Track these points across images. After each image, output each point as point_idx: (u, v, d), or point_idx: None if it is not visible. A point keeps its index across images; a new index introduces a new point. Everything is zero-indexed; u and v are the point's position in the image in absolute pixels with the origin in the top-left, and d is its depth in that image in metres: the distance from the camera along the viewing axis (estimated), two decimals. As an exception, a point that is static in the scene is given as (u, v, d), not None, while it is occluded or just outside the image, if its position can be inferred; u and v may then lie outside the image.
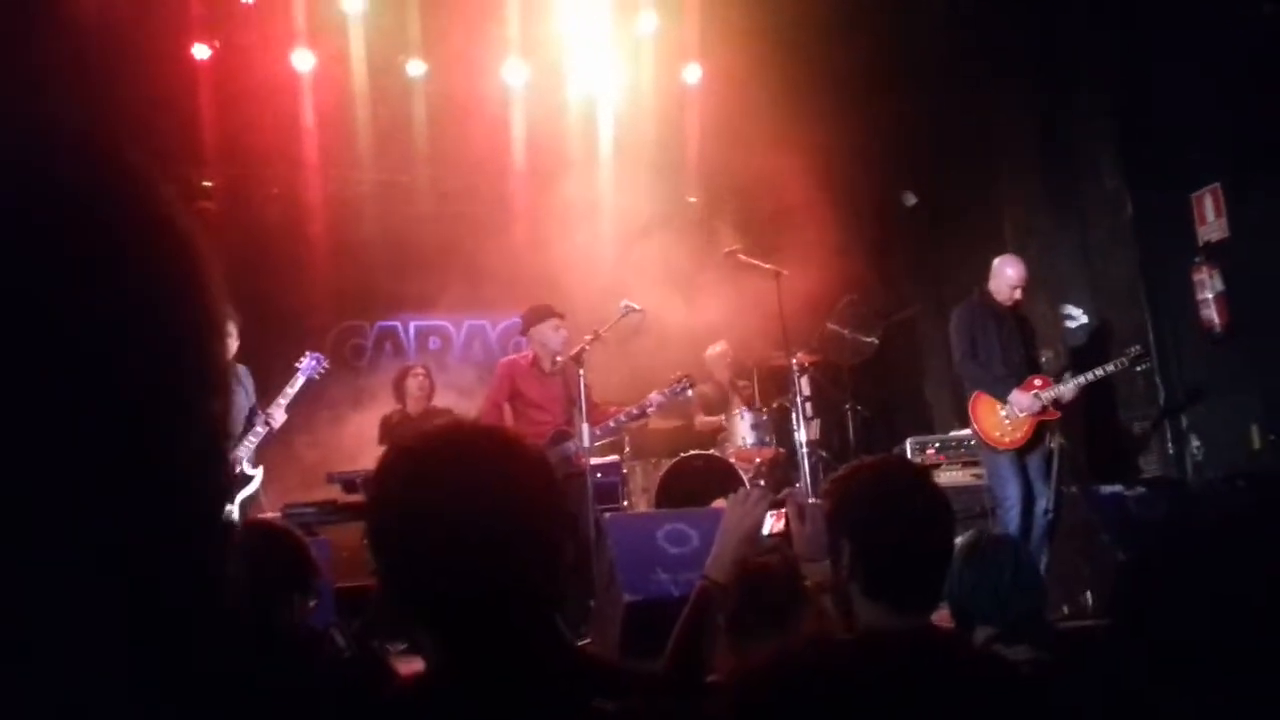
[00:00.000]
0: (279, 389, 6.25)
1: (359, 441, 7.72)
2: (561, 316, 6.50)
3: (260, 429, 6.14)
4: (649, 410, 6.31)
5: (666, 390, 6.29)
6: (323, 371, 6.40)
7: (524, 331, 6.67)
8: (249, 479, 6.21)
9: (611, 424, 6.29)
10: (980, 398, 6.21)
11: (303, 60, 8.20)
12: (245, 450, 6.14)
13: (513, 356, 6.75)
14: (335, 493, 6.92)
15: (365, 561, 6.26)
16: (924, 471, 2.23)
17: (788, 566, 2.73)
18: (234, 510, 6.09)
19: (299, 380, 6.27)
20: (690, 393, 6.52)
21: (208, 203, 8.34)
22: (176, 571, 0.56)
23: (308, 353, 6.41)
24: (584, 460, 6.09)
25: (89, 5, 7.02)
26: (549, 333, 6.46)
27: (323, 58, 8.29)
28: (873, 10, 8.16)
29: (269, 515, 6.36)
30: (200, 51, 7.90)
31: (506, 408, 6.49)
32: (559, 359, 6.46)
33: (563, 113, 9.02)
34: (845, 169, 8.63)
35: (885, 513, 1.98)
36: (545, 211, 8.68)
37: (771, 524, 2.71)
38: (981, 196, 8.58)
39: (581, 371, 6.10)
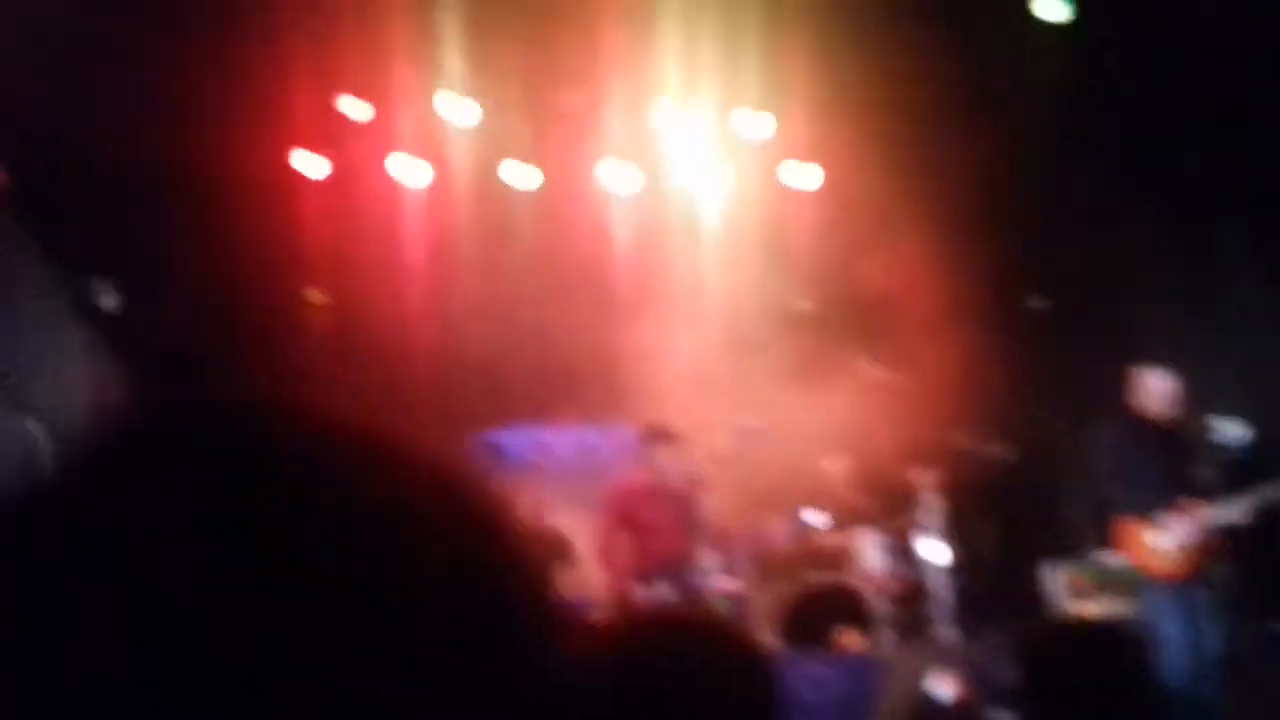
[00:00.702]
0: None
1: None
2: (677, 437, 6.35)
3: None
4: (774, 538, 6.12)
5: (793, 516, 6.08)
6: None
7: (638, 453, 6.53)
8: None
9: (736, 552, 6.10)
10: (1130, 523, 5.82)
11: (410, 174, 8.31)
12: None
13: (626, 479, 6.60)
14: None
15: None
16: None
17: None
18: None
19: None
20: (818, 522, 6.30)
21: (315, 316, 8.44)
22: None
23: None
24: (707, 590, 5.88)
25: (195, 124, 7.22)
26: (665, 454, 6.31)
27: (432, 170, 8.41)
28: (994, 108, 8.00)
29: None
30: (307, 167, 8.05)
31: (622, 535, 6.34)
32: (675, 481, 6.30)
33: (670, 217, 8.99)
34: (971, 273, 8.38)
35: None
36: (652, 319, 8.60)
37: (947, 689, 2.46)
38: (1121, 301, 8.25)
39: (701, 496, 5.93)
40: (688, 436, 6.47)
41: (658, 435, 6.46)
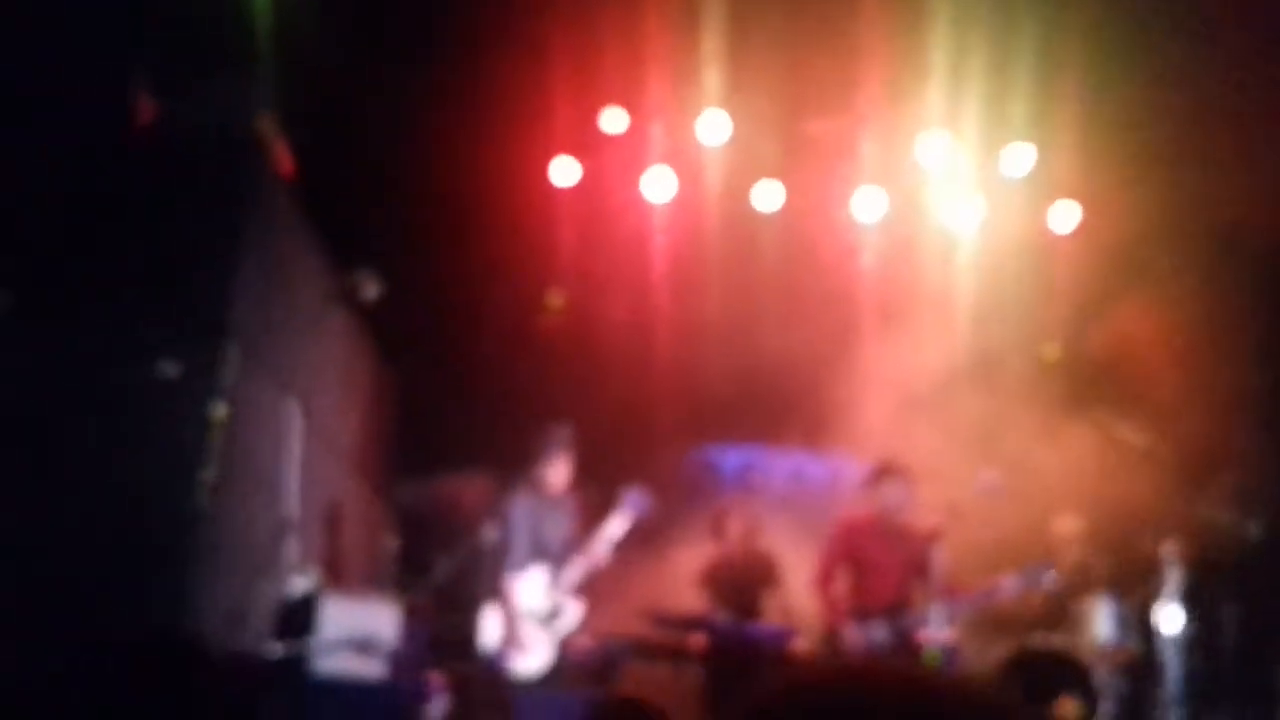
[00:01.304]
0: (604, 508, 6.38)
1: (674, 575, 7.73)
2: (910, 475, 6.30)
3: (580, 562, 6.24)
4: (1002, 595, 5.98)
5: (1024, 574, 5.93)
6: (648, 512, 6.45)
7: (868, 488, 6.50)
8: (567, 610, 6.30)
9: (961, 605, 6.01)
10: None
11: (658, 189, 8.47)
12: (566, 583, 6.26)
13: (853, 513, 6.59)
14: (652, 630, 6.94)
15: (671, 706, 6.23)
16: None
17: None
18: (553, 642, 6.20)
19: (624, 519, 6.35)
20: (1051, 580, 6.11)
21: (554, 319, 8.75)
22: None
23: (633, 489, 6.44)
24: (924, 637, 5.80)
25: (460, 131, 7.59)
26: (895, 492, 6.27)
27: (680, 186, 8.56)
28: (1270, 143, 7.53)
29: (590, 646, 6.46)
30: (560, 175, 8.33)
31: (843, 570, 6.35)
32: (903, 522, 6.26)
33: (920, 250, 8.86)
34: (1232, 324, 7.94)
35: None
36: (893, 354, 8.50)
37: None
38: None
39: (933, 544, 5.86)
40: (920, 478, 6.41)
41: (890, 471, 6.44)
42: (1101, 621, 6.95)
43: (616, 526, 6.38)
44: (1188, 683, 6.54)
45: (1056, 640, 6.88)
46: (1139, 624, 6.94)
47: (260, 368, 5.43)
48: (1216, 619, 7.30)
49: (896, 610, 6.15)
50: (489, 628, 6.32)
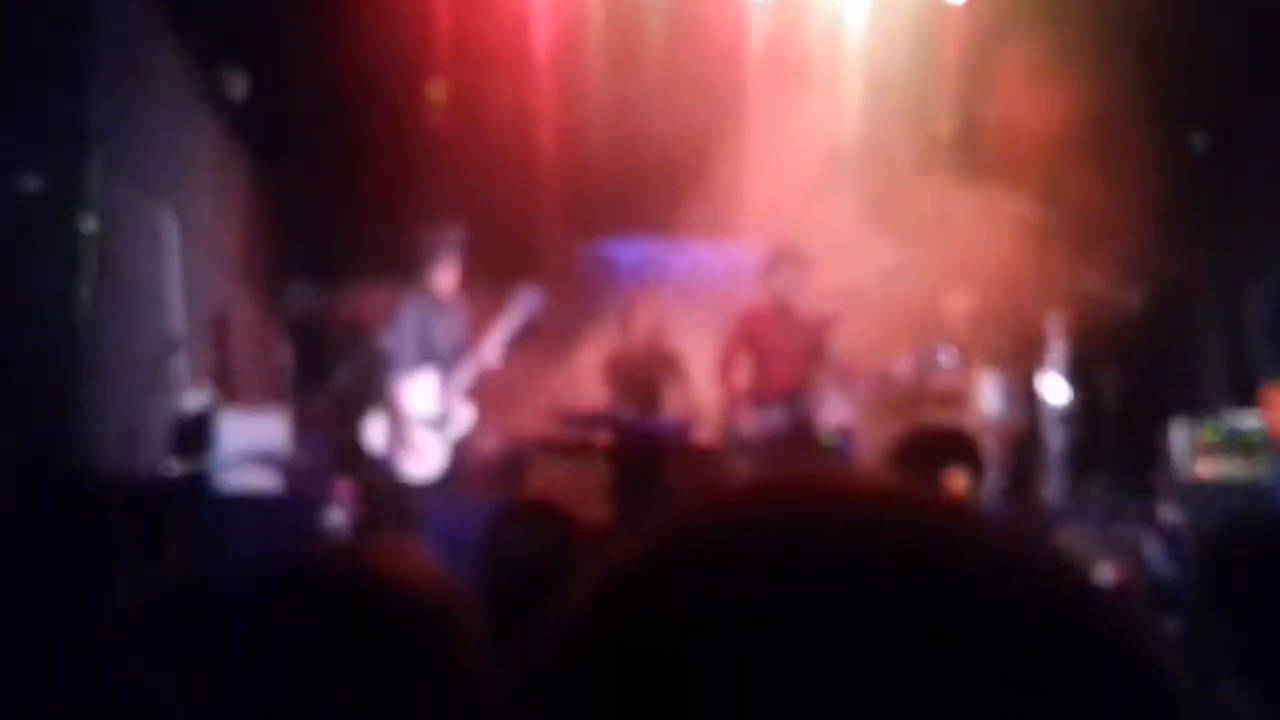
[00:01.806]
0: (496, 308, 6.34)
1: (579, 372, 7.78)
2: (807, 261, 6.35)
3: (470, 365, 6.23)
4: (898, 375, 6.16)
5: (919, 353, 6.10)
6: (540, 311, 6.42)
7: (765, 275, 6.54)
8: (458, 413, 6.31)
9: (859, 387, 6.19)
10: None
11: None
12: (456, 386, 6.25)
13: (753, 302, 6.64)
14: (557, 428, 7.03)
15: (578, 503, 6.39)
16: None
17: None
18: (445, 447, 6.22)
19: (515, 318, 6.33)
20: (949, 359, 6.29)
21: (436, 111, 8.47)
22: None
23: (523, 288, 6.39)
24: (820, 420, 5.99)
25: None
26: (793, 279, 6.33)
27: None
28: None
29: (494, 448, 6.53)
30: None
31: (742, 358, 6.45)
32: (801, 308, 6.34)
33: (808, 29, 8.70)
34: (1126, 102, 8.03)
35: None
36: (782, 137, 8.43)
37: (1108, 575, 2.49)
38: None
39: (831, 330, 5.97)
40: (817, 263, 6.46)
41: (785, 257, 6.47)
42: (989, 395, 7.23)
43: (507, 326, 6.35)
44: (1071, 451, 6.89)
45: (946, 416, 7.16)
46: (1024, 396, 7.25)
47: (128, 176, 5.18)
48: (1098, 388, 7.65)
49: (794, 395, 6.29)
50: (376, 432, 6.31)
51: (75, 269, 4.65)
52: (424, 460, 6.25)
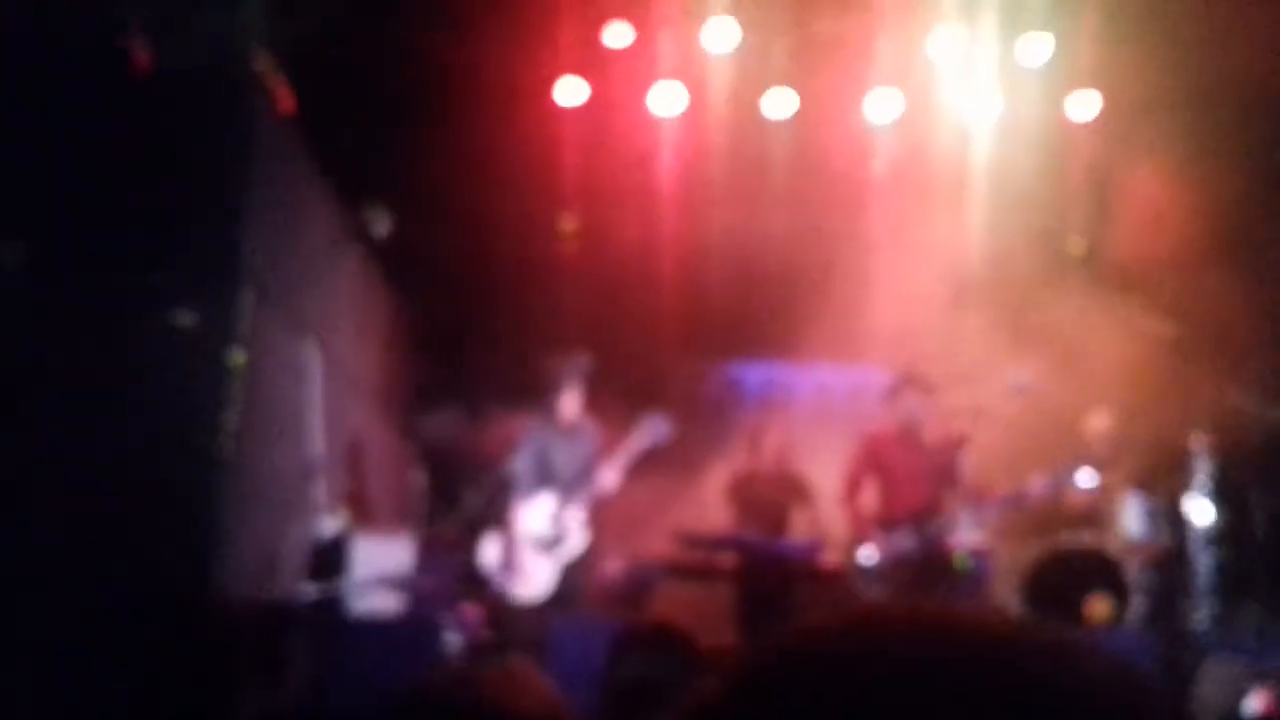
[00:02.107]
0: (623, 435, 6.41)
1: (705, 496, 7.79)
2: (932, 385, 6.34)
3: (589, 490, 6.35)
4: (1033, 496, 6.06)
5: (1055, 473, 6.00)
6: (666, 437, 6.47)
7: (890, 399, 6.53)
8: (572, 536, 6.39)
9: (991, 508, 6.10)
10: None
11: (667, 102, 8.35)
12: (573, 509, 6.31)
13: (879, 425, 6.64)
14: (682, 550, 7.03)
15: (703, 625, 6.34)
16: None
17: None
18: (556, 569, 6.28)
19: (641, 444, 6.39)
20: (1086, 478, 6.16)
21: (567, 243, 8.72)
22: None
23: (651, 415, 6.47)
24: (953, 543, 5.89)
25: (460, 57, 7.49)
26: (915, 402, 6.32)
27: (688, 98, 8.44)
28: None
29: (620, 571, 6.54)
30: (566, 95, 8.22)
31: (868, 482, 6.42)
32: (927, 431, 6.31)
33: (932, 150, 8.72)
34: (1261, 211, 7.84)
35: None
36: (908, 258, 8.43)
37: (1257, 704, 2.40)
38: None
39: (961, 451, 5.91)
40: (943, 386, 6.43)
41: (909, 381, 6.47)
42: (1131, 517, 6.99)
43: (630, 453, 6.43)
44: (1219, 574, 6.59)
45: (1087, 539, 6.93)
46: (1169, 518, 6.98)
47: (276, 311, 5.45)
48: (1246, 509, 7.33)
49: (924, 518, 6.21)
50: (490, 552, 6.42)
51: (224, 400, 4.87)
52: (531, 581, 6.34)
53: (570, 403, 6.61)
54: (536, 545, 6.37)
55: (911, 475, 6.34)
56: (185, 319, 4.91)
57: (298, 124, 6.22)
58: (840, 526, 6.93)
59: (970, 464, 6.37)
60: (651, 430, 6.48)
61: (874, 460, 6.50)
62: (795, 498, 7.40)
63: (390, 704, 1.49)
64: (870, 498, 6.68)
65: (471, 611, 5.40)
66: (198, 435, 4.78)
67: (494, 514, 6.44)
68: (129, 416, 4.72)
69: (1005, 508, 6.42)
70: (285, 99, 6.18)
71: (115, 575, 4.41)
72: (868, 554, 6.40)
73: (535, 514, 6.46)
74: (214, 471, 4.79)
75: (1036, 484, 6.23)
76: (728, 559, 6.94)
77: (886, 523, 6.50)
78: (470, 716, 1.40)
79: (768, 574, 6.84)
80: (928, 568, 6.28)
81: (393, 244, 6.92)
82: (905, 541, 6.42)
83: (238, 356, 4.95)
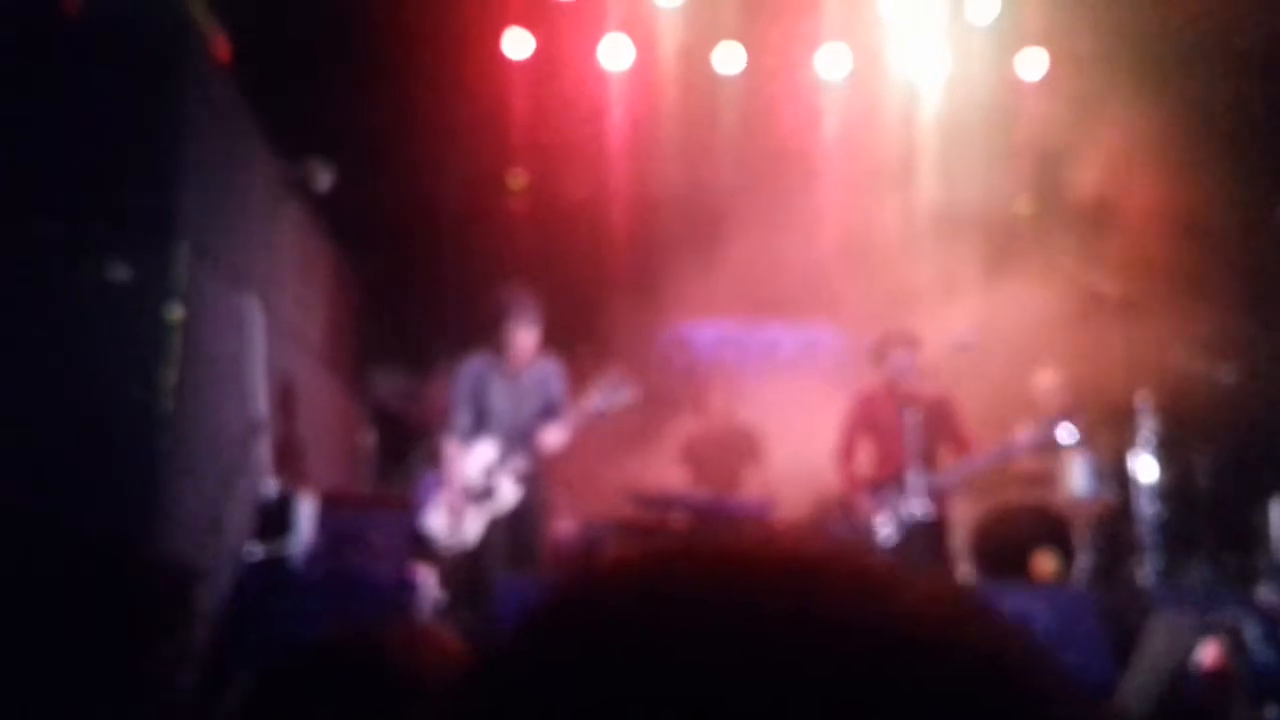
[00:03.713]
0: (571, 391, 6.27)
1: (656, 455, 7.75)
2: (915, 342, 6.33)
3: (532, 447, 5.96)
4: (1019, 449, 6.13)
5: (1040, 429, 6.06)
6: (623, 405, 6.09)
7: (877, 357, 6.51)
8: (503, 491, 6.02)
9: (973, 463, 6.17)
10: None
11: (616, 56, 8.24)
12: (511, 465, 5.98)
13: (866, 385, 6.62)
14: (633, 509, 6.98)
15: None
16: None
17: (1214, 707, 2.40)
18: (483, 521, 5.96)
19: (596, 405, 6.01)
20: (1069, 437, 6.17)
21: (515, 199, 8.60)
22: None
23: (613, 378, 6.05)
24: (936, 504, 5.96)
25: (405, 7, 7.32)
26: (902, 359, 6.34)
27: (636, 53, 8.34)
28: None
29: (571, 530, 6.47)
30: (516, 49, 8.07)
31: (862, 441, 6.47)
32: (912, 387, 6.34)
33: (881, 108, 8.70)
34: (1210, 177, 7.88)
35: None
36: (861, 217, 8.41)
37: (1206, 657, 2.38)
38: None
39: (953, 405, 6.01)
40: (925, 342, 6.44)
41: (896, 339, 6.46)
42: (1077, 474, 7.03)
43: (583, 412, 6.00)
44: (1165, 530, 6.65)
45: (1032, 496, 6.97)
46: (1114, 475, 7.02)
47: (214, 266, 5.28)
48: (1191, 465, 7.40)
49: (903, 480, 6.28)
50: (422, 491, 6.02)
51: (161, 356, 4.73)
52: (459, 530, 5.91)
53: (521, 340, 6.03)
54: (467, 494, 5.93)
55: (902, 433, 6.34)
56: (120, 273, 4.74)
57: (236, 74, 6.03)
58: (834, 488, 6.85)
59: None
60: (610, 393, 6.03)
61: (866, 420, 6.47)
62: (746, 456, 7.38)
63: (292, 663, 1.42)
64: (864, 458, 6.64)
65: (424, 570, 5.31)
66: (135, 392, 4.63)
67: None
68: (63, 372, 4.56)
69: (994, 460, 6.44)
70: (222, 48, 5.98)
71: (52, 536, 4.27)
72: (883, 523, 6.34)
73: (472, 461, 5.99)
74: (153, 429, 4.64)
75: (1023, 436, 6.26)
76: (679, 518, 6.90)
77: (882, 481, 6.46)
78: (373, 675, 1.34)
79: (718, 532, 6.78)
80: (926, 524, 6.31)
81: (337, 199, 6.76)
82: (901, 501, 6.38)
83: (175, 312, 4.79)
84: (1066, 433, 6.20)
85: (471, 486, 5.95)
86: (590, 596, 0.57)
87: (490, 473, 5.98)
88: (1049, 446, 6.40)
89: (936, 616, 0.53)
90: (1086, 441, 7.32)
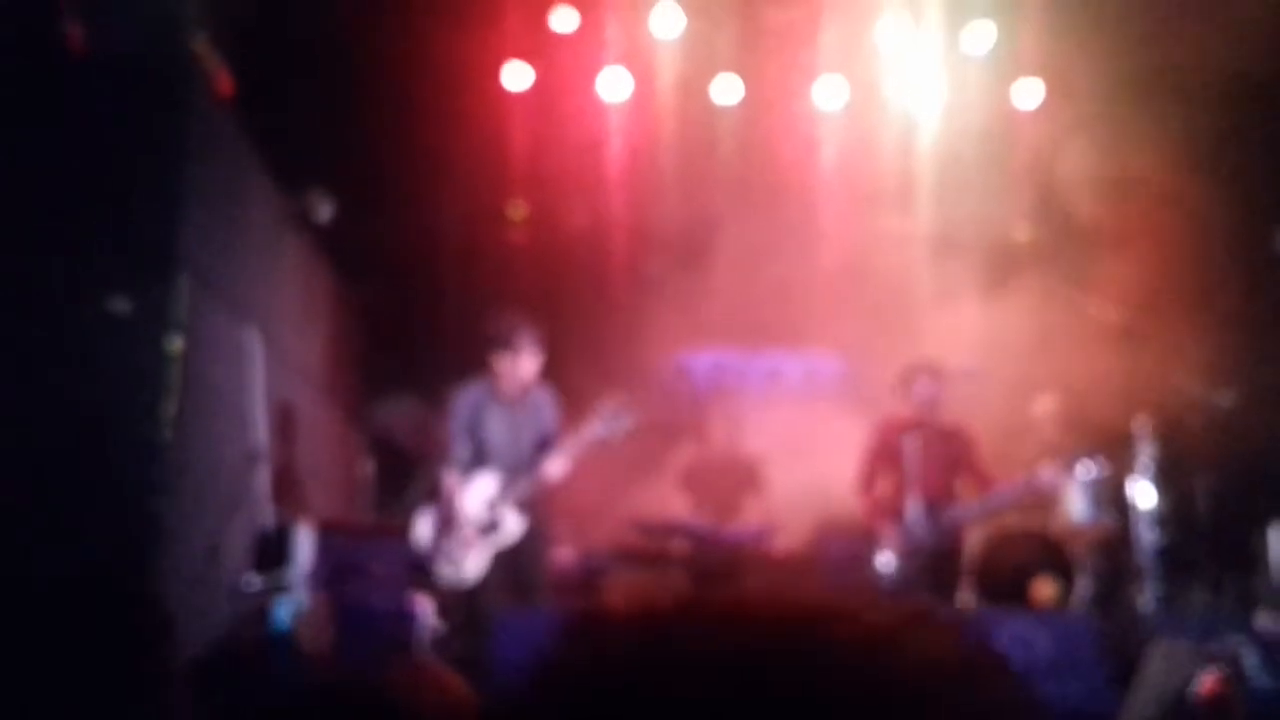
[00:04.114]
0: (571, 419, 6.23)
1: (657, 483, 7.74)
2: (939, 372, 6.35)
3: (533, 477, 5.86)
4: (1041, 485, 6.13)
5: (1066, 466, 6.07)
6: (624, 433, 5.93)
7: (902, 385, 6.53)
8: (508, 523, 5.92)
9: (995, 497, 6.19)
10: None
11: (614, 88, 8.29)
12: (513, 494, 5.86)
13: (890, 415, 6.62)
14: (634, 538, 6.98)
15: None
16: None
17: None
18: (488, 554, 5.89)
19: (596, 433, 5.86)
20: (1088, 473, 6.18)
21: (514, 229, 8.63)
22: None
23: (613, 404, 5.90)
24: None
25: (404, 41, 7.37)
26: (925, 389, 6.37)
27: (634, 85, 8.39)
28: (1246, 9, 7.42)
29: (572, 558, 6.45)
30: (514, 81, 8.13)
31: (883, 471, 6.48)
32: (937, 417, 6.37)
33: (878, 138, 8.74)
34: (1206, 204, 7.90)
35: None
36: (859, 246, 8.44)
37: (1205, 685, 2.37)
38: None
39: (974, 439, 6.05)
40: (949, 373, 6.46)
41: (920, 369, 6.49)
42: (1076, 500, 7.01)
43: (583, 441, 5.85)
44: (1164, 555, 6.63)
45: (1032, 522, 6.95)
46: (1113, 500, 7.01)
47: (215, 298, 5.31)
48: (1190, 491, 7.39)
49: (938, 506, 6.26)
50: (422, 530, 5.87)
51: (162, 387, 4.74)
52: (464, 565, 5.80)
53: (523, 369, 5.92)
54: (472, 528, 5.83)
55: (923, 464, 6.31)
56: (121, 305, 4.77)
57: (237, 108, 6.07)
58: (856, 514, 6.82)
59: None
60: (610, 420, 5.85)
61: (887, 449, 6.45)
62: (746, 484, 7.38)
63: (294, 703, 1.44)
64: (887, 487, 6.61)
65: (423, 600, 5.29)
66: (136, 423, 4.64)
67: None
68: (65, 403, 4.58)
69: (1015, 496, 6.44)
70: (224, 82, 6.02)
71: (53, 566, 4.27)
72: (885, 560, 6.33)
73: (473, 496, 5.88)
74: (153, 459, 4.65)
75: (1045, 473, 6.26)
76: (679, 546, 6.90)
77: (901, 512, 6.44)
78: (375, 716, 1.35)
79: (718, 560, 6.81)
80: (941, 555, 6.29)
81: (337, 230, 6.79)
82: (919, 531, 6.36)
83: (175, 343, 4.81)
84: (1085, 470, 6.20)
85: (474, 520, 5.84)
86: (594, 656, 0.61)
87: (493, 505, 5.86)
88: (1068, 483, 6.42)
89: (939, 674, 0.54)
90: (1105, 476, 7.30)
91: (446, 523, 5.84)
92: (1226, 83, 7.70)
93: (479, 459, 5.97)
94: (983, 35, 8.29)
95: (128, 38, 5.20)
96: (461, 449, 5.94)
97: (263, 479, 5.60)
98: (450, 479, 5.89)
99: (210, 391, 5.24)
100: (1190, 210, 7.83)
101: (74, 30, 5.22)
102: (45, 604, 4.10)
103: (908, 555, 6.24)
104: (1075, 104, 8.11)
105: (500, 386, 5.99)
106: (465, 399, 5.99)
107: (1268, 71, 7.66)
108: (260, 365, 5.80)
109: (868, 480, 6.63)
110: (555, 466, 5.83)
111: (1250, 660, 5.01)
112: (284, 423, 6.43)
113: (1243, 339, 8.10)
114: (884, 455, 6.49)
